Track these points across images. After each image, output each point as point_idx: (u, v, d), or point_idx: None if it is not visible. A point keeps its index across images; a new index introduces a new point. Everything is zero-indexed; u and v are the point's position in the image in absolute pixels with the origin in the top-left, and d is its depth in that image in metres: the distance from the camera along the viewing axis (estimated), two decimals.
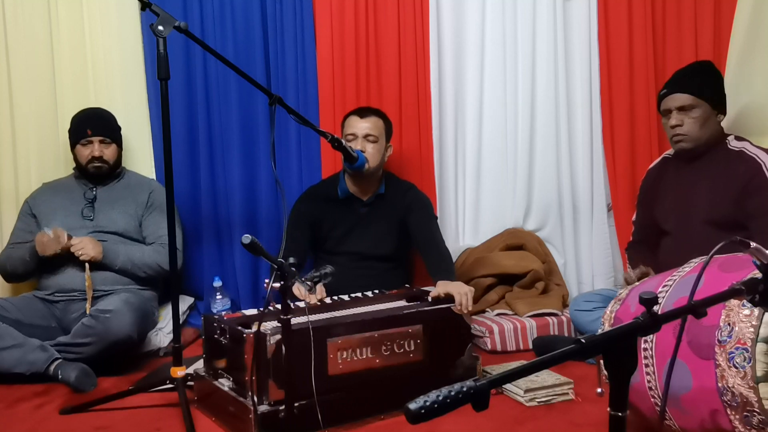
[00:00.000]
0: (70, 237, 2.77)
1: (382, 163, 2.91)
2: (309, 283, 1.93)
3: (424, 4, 3.28)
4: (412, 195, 2.95)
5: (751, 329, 1.57)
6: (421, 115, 3.32)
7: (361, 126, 2.85)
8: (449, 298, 2.43)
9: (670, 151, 2.76)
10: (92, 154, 2.93)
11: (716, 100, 2.57)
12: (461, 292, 2.39)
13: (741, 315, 1.60)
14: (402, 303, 2.56)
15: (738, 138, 2.58)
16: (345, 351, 2.18)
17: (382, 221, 2.92)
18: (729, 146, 2.55)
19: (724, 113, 2.61)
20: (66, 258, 2.79)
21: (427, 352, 2.32)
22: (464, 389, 0.81)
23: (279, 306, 1.85)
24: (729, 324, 1.61)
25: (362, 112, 2.90)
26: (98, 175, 2.98)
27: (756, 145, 2.53)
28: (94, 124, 2.96)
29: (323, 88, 3.24)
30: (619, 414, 0.97)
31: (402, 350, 2.28)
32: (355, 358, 2.20)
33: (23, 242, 2.88)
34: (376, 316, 2.31)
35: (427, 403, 0.79)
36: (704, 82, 2.58)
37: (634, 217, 2.91)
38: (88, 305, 2.73)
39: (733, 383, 1.58)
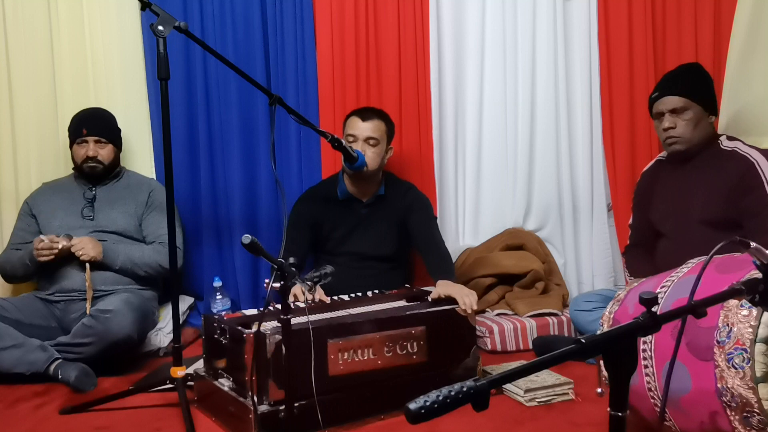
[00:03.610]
0: (70, 237, 2.77)
1: (381, 166, 2.90)
2: (309, 283, 1.93)
3: (424, 4, 3.28)
4: (412, 195, 2.95)
5: (750, 330, 1.57)
6: (421, 115, 3.32)
7: (362, 128, 2.82)
8: (449, 299, 2.42)
9: (663, 154, 2.76)
10: (86, 154, 2.93)
11: (707, 101, 2.57)
12: (463, 294, 2.39)
13: (739, 316, 1.60)
14: (402, 303, 2.56)
15: (730, 138, 2.58)
16: (346, 352, 2.17)
17: (383, 222, 2.92)
18: (721, 146, 2.55)
19: (716, 114, 2.62)
20: (66, 258, 2.79)
21: (430, 353, 2.31)
22: (464, 389, 0.81)
23: (279, 306, 1.85)
24: (728, 325, 1.61)
25: (364, 114, 2.87)
26: (93, 175, 2.98)
27: (748, 144, 2.53)
28: (90, 124, 2.96)
29: (323, 88, 3.24)
30: (619, 414, 0.98)
31: (405, 352, 2.27)
32: (357, 360, 2.19)
33: (23, 243, 2.88)
34: (378, 317, 2.30)
35: (427, 403, 0.79)
36: (695, 83, 2.58)
37: (630, 221, 2.90)
38: (88, 305, 2.72)
39: (732, 384, 1.58)
